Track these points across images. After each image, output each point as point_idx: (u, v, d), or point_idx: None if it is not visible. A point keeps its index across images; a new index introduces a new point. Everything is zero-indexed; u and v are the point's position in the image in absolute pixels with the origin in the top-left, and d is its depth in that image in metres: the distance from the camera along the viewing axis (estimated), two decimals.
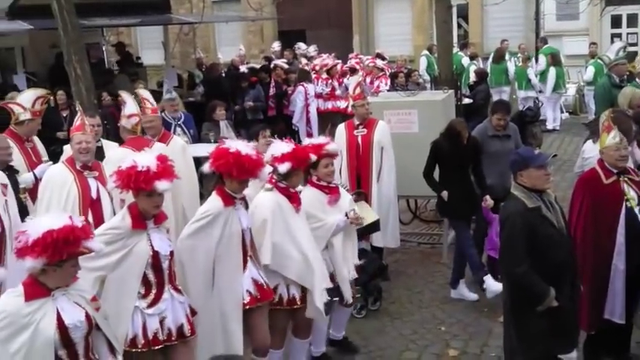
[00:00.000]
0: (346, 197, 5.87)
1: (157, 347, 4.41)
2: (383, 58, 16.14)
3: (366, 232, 6.66)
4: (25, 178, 6.46)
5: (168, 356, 4.50)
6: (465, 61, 16.33)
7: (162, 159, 4.48)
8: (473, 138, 7.31)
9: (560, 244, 4.71)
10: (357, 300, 6.65)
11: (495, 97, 14.28)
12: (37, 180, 6.29)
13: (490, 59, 16.63)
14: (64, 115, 10.73)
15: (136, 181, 4.32)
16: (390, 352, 6.17)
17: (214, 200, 4.84)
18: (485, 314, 6.79)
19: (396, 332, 6.56)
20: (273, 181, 5.23)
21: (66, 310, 3.72)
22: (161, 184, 4.37)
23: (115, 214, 5.71)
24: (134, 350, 4.38)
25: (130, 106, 6.66)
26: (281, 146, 5.21)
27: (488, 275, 6.85)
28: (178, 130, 9.22)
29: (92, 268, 4.24)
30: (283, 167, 5.11)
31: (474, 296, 7.08)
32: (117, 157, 5.91)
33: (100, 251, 3.97)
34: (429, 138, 7.41)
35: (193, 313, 4.65)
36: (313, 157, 5.38)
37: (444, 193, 7.18)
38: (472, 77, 14.46)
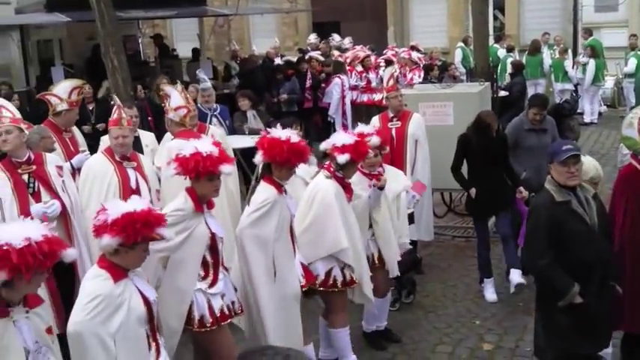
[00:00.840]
0: (400, 183, 6.07)
1: (224, 323, 4.56)
2: (418, 51, 16.05)
3: None
4: (67, 166, 6.54)
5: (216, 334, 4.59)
6: (501, 53, 16.18)
7: (218, 144, 4.62)
8: (501, 132, 7.22)
9: (590, 240, 4.59)
10: (391, 293, 6.67)
11: (531, 90, 14.15)
12: (74, 170, 6.37)
13: (526, 52, 16.46)
14: (90, 108, 10.87)
15: (204, 166, 4.43)
16: (423, 346, 6.16)
17: (268, 189, 4.89)
18: (521, 309, 6.74)
19: (430, 326, 6.54)
20: (332, 169, 5.34)
21: (144, 288, 3.92)
22: (226, 168, 4.53)
23: (152, 204, 5.80)
24: (203, 330, 4.50)
25: (176, 99, 6.72)
26: (343, 137, 5.34)
27: (491, 280, 7.00)
28: (214, 120, 9.27)
29: (156, 250, 4.34)
30: (342, 158, 5.22)
31: (493, 297, 6.97)
32: (174, 147, 5.98)
33: (170, 239, 4.12)
34: (464, 131, 7.34)
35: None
36: (371, 153, 5.55)
37: (472, 191, 7.07)
38: (509, 69, 14.32)
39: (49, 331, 3.60)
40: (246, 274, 4.82)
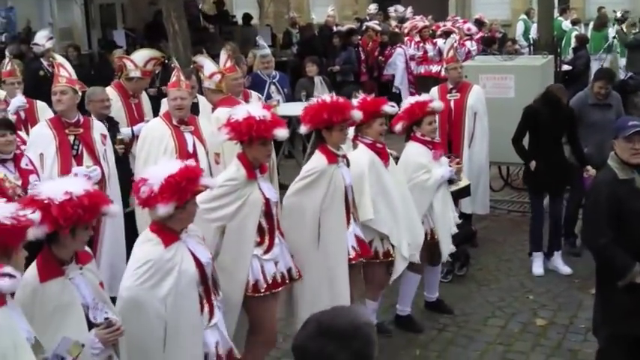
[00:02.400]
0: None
1: (276, 290, 4.58)
2: (482, 23, 15.78)
3: (456, 196, 6.59)
4: (124, 131, 6.66)
5: (266, 302, 4.61)
6: (566, 25, 15.77)
7: (269, 108, 4.60)
8: (569, 107, 7.07)
9: None
10: (443, 265, 6.65)
11: (595, 65, 13.78)
12: (134, 136, 6.46)
13: (591, 25, 16.01)
14: (156, 71, 10.92)
15: (257, 129, 4.39)
16: (475, 318, 6.14)
17: (319, 158, 4.89)
18: (577, 285, 6.66)
19: (482, 299, 6.51)
20: (359, 138, 5.32)
21: (197, 250, 3.94)
22: (281, 132, 4.49)
23: (210, 167, 5.88)
24: (256, 295, 4.51)
25: (209, 66, 6.73)
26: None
27: (540, 254, 6.93)
28: (272, 88, 9.29)
29: (213, 219, 4.41)
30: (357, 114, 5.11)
31: (567, 270, 6.92)
32: (222, 115, 6.04)
33: (214, 185, 4.13)
34: (525, 104, 7.18)
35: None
36: (389, 109, 5.38)
37: (532, 163, 6.95)
38: (573, 43, 13.97)
39: (101, 285, 3.71)
40: (291, 240, 4.78)
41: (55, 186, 3.48)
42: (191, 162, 4.02)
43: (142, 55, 7.08)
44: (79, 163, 5.62)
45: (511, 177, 9.26)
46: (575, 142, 7.00)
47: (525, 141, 7.09)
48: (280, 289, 4.64)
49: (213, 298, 4.05)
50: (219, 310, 4.09)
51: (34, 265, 3.47)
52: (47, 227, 3.33)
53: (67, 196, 3.37)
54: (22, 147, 5.72)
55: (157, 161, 5.64)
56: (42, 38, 11.45)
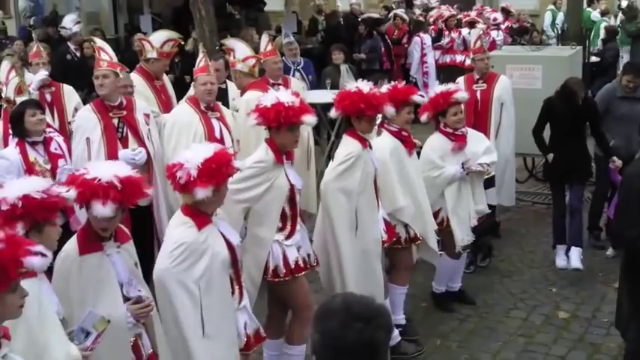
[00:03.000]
0: (481, 143, 6.01)
1: (299, 274, 4.60)
2: (509, 13, 15.63)
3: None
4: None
5: (290, 285, 4.64)
6: (595, 16, 15.59)
7: (297, 95, 4.61)
8: (590, 99, 6.97)
9: None
10: (466, 255, 6.63)
11: (625, 57, 13.63)
12: None
13: (619, 17, 15.81)
14: (176, 60, 10.92)
15: (286, 115, 4.41)
16: (497, 309, 6.12)
17: (353, 143, 4.90)
18: (600, 279, 6.61)
19: (505, 290, 6.48)
20: (385, 125, 5.34)
21: (227, 232, 3.99)
22: (309, 118, 4.51)
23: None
24: (276, 280, 4.55)
25: (242, 50, 6.72)
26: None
27: (563, 246, 6.86)
28: (297, 75, 9.28)
29: (240, 200, 4.44)
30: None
31: (563, 264, 6.84)
32: (252, 99, 6.05)
33: (243, 168, 4.17)
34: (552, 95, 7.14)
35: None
36: (417, 98, 5.45)
37: (550, 156, 6.89)
38: (602, 35, 13.82)
39: (135, 265, 3.79)
40: (329, 226, 4.84)
41: (103, 168, 3.62)
42: (220, 146, 4.06)
43: (159, 36, 7.09)
44: (125, 145, 5.66)
45: (536, 168, 9.19)
46: (598, 134, 6.92)
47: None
48: (303, 273, 4.65)
49: (242, 280, 4.12)
50: (247, 293, 4.16)
51: (74, 238, 3.61)
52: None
53: (115, 178, 3.50)
54: (48, 130, 5.75)
55: (187, 146, 5.69)
56: (70, 22, 11.53)
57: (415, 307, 6.08)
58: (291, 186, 4.56)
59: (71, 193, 3.40)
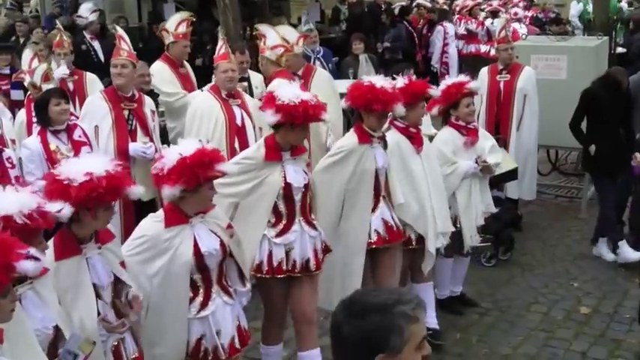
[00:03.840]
0: (487, 141, 5.80)
1: (279, 276, 4.46)
2: (531, 2, 15.46)
3: (502, 180, 6.50)
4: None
5: (290, 286, 4.55)
6: (624, 6, 15.34)
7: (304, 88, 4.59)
8: (628, 90, 6.84)
9: None
10: (487, 248, 6.58)
11: None
12: None
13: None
14: (208, 47, 10.90)
15: (313, 113, 4.32)
16: (518, 303, 6.06)
17: (350, 136, 4.84)
18: (623, 274, 6.52)
19: (526, 284, 6.43)
20: (393, 121, 5.17)
21: (202, 238, 3.82)
22: (327, 115, 4.48)
23: (256, 141, 5.87)
24: (258, 275, 4.47)
25: (272, 37, 6.67)
26: (395, 80, 5.05)
27: (624, 241, 6.63)
28: (317, 63, 9.23)
29: (226, 195, 4.35)
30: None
31: (611, 257, 6.78)
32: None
33: (232, 173, 4.06)
34: (577, 86, 7.03)
35: (327, 250, 4.64)
36: (434, 92, 5.26)
37: (592, 148, 6.76)
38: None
39: (122, 265, 3.63)
40: (316, 216, 4.69)
41: (74, 165, 3.42)
42: (211, 147, 3.88)
43: (172, 20, 7.13)
44: (133, 138, 5.64)
45: (559, 161, 9.10)
46: (628, 126, 6.81)
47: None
48: (283, 276, 4.46)
49: (215, 288, 3.90)
50: (228, 304, 3.94)
51: (51, 243, 3.37)
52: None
53: (87, 177, 3.30)
54: (72, 118, 5.76)
55: (208, 135, 5.68)
56: (86, 11, 11.50)
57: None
58: (286, 184, 4.42)
59: (64, 212, 3.19)
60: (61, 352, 3.15)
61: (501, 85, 7.31)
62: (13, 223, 2.89)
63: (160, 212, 3.84)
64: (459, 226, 5.53)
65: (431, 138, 5.67)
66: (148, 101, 5.90)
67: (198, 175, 3.66)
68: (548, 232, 7.57)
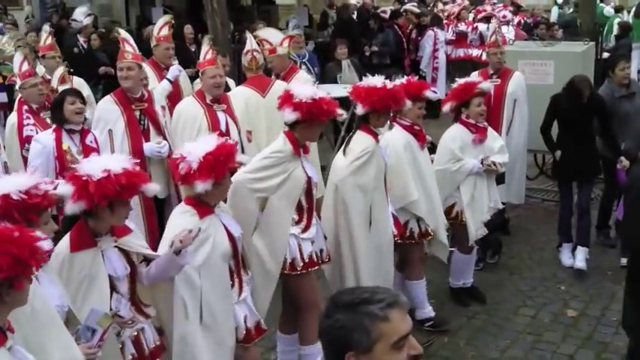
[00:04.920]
0: (496, 142, 6.00)
1: (312, 269, 4.61)
2: (518, 7, 15.55)
3: None
4: (162, 85, 6.67)
5: (304, 279, 4.64)
6: (608, 12, 15.46)
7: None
8: (597, 97, 6.84)
9: None
10: (475, 251, 6.60)
11: (636, 54, 13.51)
12: (171, 82, 6.59)
13: (632, 13, 15.65)
14: (193, 49, 10.90)
15: (329, 110, 4.45)
16: (506, 307, 6.09)
17: (367, 138, 4.90)
18: (609, 277, 6.57)
19: (514, 287, 6.46)
20: (397, 119, 5.34)
21: (229, 224, 4.03)
22: (339, 111, 4.58)
23: (242, 145, 5.88)
24: (294, 273, 4.54)
25: (275, 35, 6.75)
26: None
27: (569, 244, 6.83)
28: (303, 67, 9.25)
29: (257, 189, 4.44)
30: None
31: (582, 265, 6.74)
32: (235, 96, 6.15)
33: (247, 162, 4.23)
34: None
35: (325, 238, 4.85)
36: (430, 94, 5.44)
37: (557, 153, 6.84)
38: (615, 31, 13.71)
39: (138, 257, 3.77)
40: (344, 221, 4.80)
41: (94, 162, 3.56)
42: (225, 139, 4.08)
43: (156, 25, 7.16)
44: (147, 138, 5.69)
45: (546, 165, 9.14)
46: (605, 133, 6.84)
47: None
48: (316, 268, 4.66)
49: (243, 273, 4.12)
50: (248, 286, 4.16)
51: (67, 236, 3.56)
52: (85, 204, 3.43)
53: (104, 174, 3.44)
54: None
55: (191, 140, 5.68)
56: (80, 15, 11.54)
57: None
58: (308, 178, 4.57)
59: (64, 189, 3.35)
60: (80, 328, 3.26)
61: (492, 89, 7.32)
62: (10, 201, 3.04)
63: (187, 207, 3.94)
64: (464, 220, 5.74)
65: None
66: (157, 98, 5.96)
67: (225, 167, 3.86)
68: (535, 236, 7.62)
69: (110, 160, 3.60)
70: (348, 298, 2.01)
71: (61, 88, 6.06)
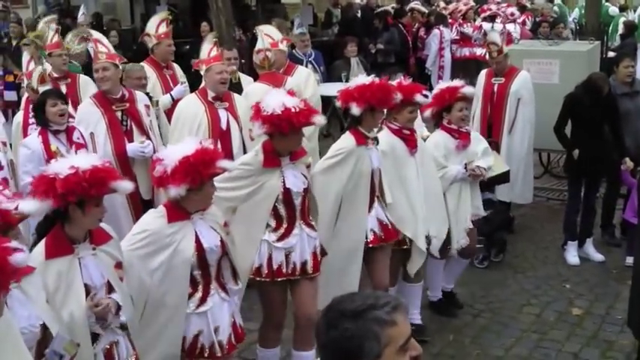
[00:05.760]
0: (480, 145, 5.82)
1: (279, 279, 4.48)
2: (523, 7, 15.52)
3: (494, 182, 6.52)
4: (163, 99, 6.68)
5: (292, 289, 4.59)
6: (613, 11, 15.42)
7: (292, 93, 4.48)
8: (612, 96, 6.87)
9: None
10: (479, 250, 6.60)
11: None
12: (175, 100, 6.49)
13: (638, 12, 15.64)
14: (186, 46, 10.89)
15: (297, 121, 4.28)
16: (510, 305, 6.09)
17: (347, 138, 4.86)
18: (614, 276, 6.57)
19: (518, 286, 6.46)
20: (386, 122, 5.21)
21: (203, 234, 3.87)
22: (318, 118, 4.43)
23: (244, 144, 5.87)
24: (257, 279, 4.48)
25: (258, 42, 6.74)
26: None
27: (575, 243, 6.83)
28: (309, 66, 9.25)
29: (224, 198, 4.36)
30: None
31: (599, 257, 6.85)
32: (255, 92, 6.03)
33: (233, 169, 4.12)
34: (569, 90, 7.04)
35: (323, 253, 4.67)
36: (421, 99, 5.24)
37: (575, 152, 6.81)
38: (620, 30, 13.68)
39: (117, 266, 3.60)
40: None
41: (63, 162, 3.46)
42: (209, 143, 3.92)
43: (152, 23, 7.17)
44: (130, 138, 5.61)
45: (551, 164, 9.14)
46: (615, 132, 6.85)
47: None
48: (283, 279, 4.48)
49: (214, 285, 3.94)
50: (225, 300, 3.99)
51: (42, 242, 3.42)
52: (53, 202, 3.30)
53: (71, 171, 3.33)
54: (70, 120, 5.73)
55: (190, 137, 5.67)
56: (80, 13, 11.55)
57: (426, 300, 6.02)
58: (286, 189, 4.43)
59: (26, 206, 3.18)
60: (48, 352, 3.14)
61: (495, 88, 7.33)
62: None
63: (161, 208, 3.88)
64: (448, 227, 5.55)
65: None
66: (141, 97, 5.85)
67: (202, 173, 3.71)
68: (540, 235, 7.61)
69: (78, 159, 3.48)
70: (352, 305, 1.95)
71: (41, 89, 5.96)
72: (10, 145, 5.97)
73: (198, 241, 3.84)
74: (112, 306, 3.45)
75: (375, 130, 5.02)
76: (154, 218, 3.85)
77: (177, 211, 3.82)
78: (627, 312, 5.14)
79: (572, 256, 6.86)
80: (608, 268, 6.74)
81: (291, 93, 4.49)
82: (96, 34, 6.02)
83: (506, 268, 6.81)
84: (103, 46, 5.72)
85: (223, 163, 3.88)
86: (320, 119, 4.52)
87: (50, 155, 5.22)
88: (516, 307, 6.06)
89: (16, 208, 3.11)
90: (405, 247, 5.24)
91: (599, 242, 7.12)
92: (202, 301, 3.90)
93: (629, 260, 6.42)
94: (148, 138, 5.67)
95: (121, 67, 5.85)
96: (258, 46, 6.73)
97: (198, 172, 3.70)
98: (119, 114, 5.63)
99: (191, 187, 3.72)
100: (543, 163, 9.04)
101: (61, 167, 3.37)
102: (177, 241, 3.79)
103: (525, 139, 7.37)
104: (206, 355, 3.90)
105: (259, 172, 4.42)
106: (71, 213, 3.38)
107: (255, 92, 6.12)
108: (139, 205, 5.47)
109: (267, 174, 4.43)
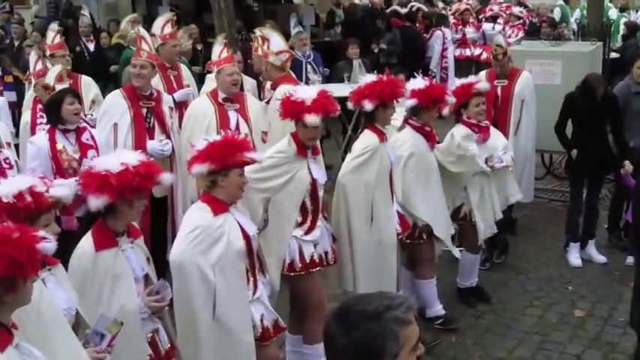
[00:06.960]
0: (500, 140, 6.09)
1: (314, 269, 4.63)
2: (525, 6, 15.52)
3: None
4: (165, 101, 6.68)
5: (305, 280, 4.67)
6: (613, 12, 15.41)
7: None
8: (611, 96, 6.86)
9: None
10: (481, 252, 6.60)
11: None
12: (175, 103, 6.46)
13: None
14: (199, 48, 10.83)
15: (294, 110, 4.49)
16: (513, 307, 6.09)
17: (370, 136, 4.96)
18: (617, 278, 6.57)
19: (521, 287, 6.46)
20: (409, 120, 5.38)
21: (244, 223, 4.01)
22: (310, 117, 4.47)
23: (254, 146, 5.87)
24: (292, 274, 4.59)
25: (277, 42, 6.57)
26: (416, 82, 5.33)
27: (577, 244, 6.87)
28: (309, 67, 9.22)
29: (260, 190, 4.47)
30: (410, 102, 5.26)
31: (601, 258, 6.85)
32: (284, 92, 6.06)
33: (262, 160, 4.21)
34: (571, 91, 7.07)
35: (334, 240, 4.86)
36: (451, 99, 5.53)
37: (574, 152, 6.83)
38: (622, 31, 13.68)
39: (148, 261, 3.80)
40: (344, 217, 4.87)
41: (109, 159, 3.62)
42: (242, 137, 4.16)
43: (157, 24, 7.17)
44: (151, 136, 5.71)
45: (554, 165, 9.14)
46: (616, 132, 6.84)
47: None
48: (318, 268, 4.67)
49: (258, 273, 4.10)
50: (264, 286, 4.16)
51: (88, 235, 3.59)
52: (108, 198, 3.46)
53: (123, 167, 3.48)
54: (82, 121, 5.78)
55: (199, 139, 5.69)
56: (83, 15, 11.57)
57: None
58: (313, 180, 4.58)
59: (59, 191, 3.31)
60: (89, 332, 3.26)
61: (499, 90, 7.31)
62: (2, 204, 3.04)
63: (202, 204, 3.94)
64: (473, 220, 5.80)
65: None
66: (166, 98, 5.98)
67: (225, 155, 3.82)
68: (542, 236, 7.61)
69: (123, 155, 3.67)
70: (371, 306, 1.97)
71: (58, 87, 6.00)
72: (16, 145, 5.98)
73: (243, 230, 3.96)
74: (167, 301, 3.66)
75: (392, 128, 5.24)
76: (202, 214, 3.90)
77: (219, 204, 3.91)
78: (630, 313, 5.11)
79: (574, 257, 6.86)
80: (610, 269, 6.74)
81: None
82: (142, 32, 6.09)
83: (509, 269, 6.81)
84: (145, 44, 5.85)
85: (253, 154, 3.99)
86: (312, 119, 4.56)
87: (55, 154, 5.30)
88: (519, 309, 6.06)
89: (47, 191, 3.24)
90: (422, 240, 5.43)
91: (601, 244, 7.11)
92: (255, 287, 4.03)
93: (630, 260, 6.46)
94: (168, 137, 5.75)
95: (157, 69, 6.00)
96: (278, 47, 6.57)
97: (221, 154, 3.81)
98: (144, 111, 5.75)
99: (214, 169, 3.82)
100: (545, 164, 9.03)
101: (109, 163, 3.53)
102: (227, 232, 3.89)
103: (530, 139, 7.37)
104: (272, 335, 4.09)
105: (293, 160, 4.55)
106: (119, 207, 3.53)
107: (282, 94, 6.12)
108: (147, 204, 5.52)
109: (299, 163, 4.56)
